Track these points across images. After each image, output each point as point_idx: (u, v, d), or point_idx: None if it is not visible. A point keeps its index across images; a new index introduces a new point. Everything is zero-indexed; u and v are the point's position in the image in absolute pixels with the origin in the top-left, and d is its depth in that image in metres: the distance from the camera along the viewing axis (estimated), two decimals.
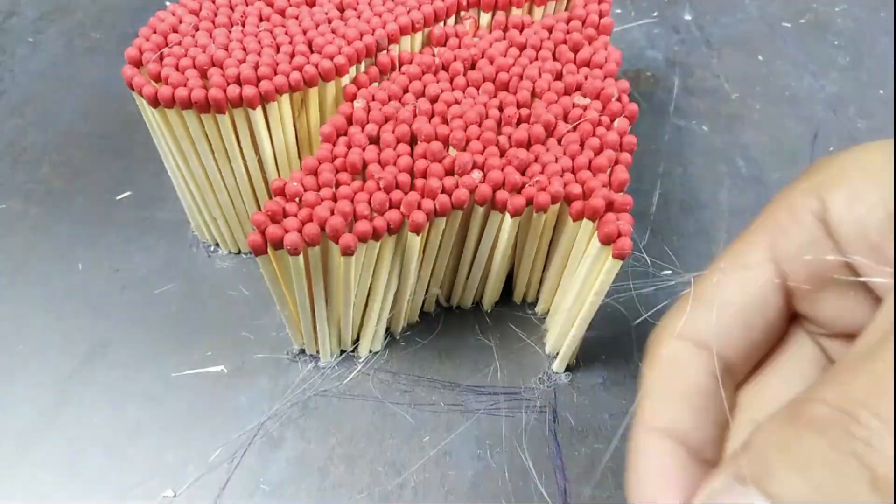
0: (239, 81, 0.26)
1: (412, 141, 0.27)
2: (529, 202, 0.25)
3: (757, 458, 0.13)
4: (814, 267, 0.16)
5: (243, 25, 0.29)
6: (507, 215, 0.25)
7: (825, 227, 0.16)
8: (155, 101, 0.26)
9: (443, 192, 0.25)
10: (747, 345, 0.17)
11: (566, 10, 0.34)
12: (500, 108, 0.28)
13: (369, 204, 0.24)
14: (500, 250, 0.27)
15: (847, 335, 0.16)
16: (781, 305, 0.17)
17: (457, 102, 0.27)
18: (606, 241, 0.24)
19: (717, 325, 0.17)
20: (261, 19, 0.30)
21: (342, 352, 0.30)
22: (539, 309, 0.31)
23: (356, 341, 0.30)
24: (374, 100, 0.27)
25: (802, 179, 0.16)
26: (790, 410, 0.13)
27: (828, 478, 0.12)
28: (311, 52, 0.28)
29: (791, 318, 0.17)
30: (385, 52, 0.29)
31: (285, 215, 0.23)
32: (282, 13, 0.30)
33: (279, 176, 0.29)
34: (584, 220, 0.25)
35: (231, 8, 0.30)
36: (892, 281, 0.11)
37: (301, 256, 0.23)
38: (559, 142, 0.27)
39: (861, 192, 0.15)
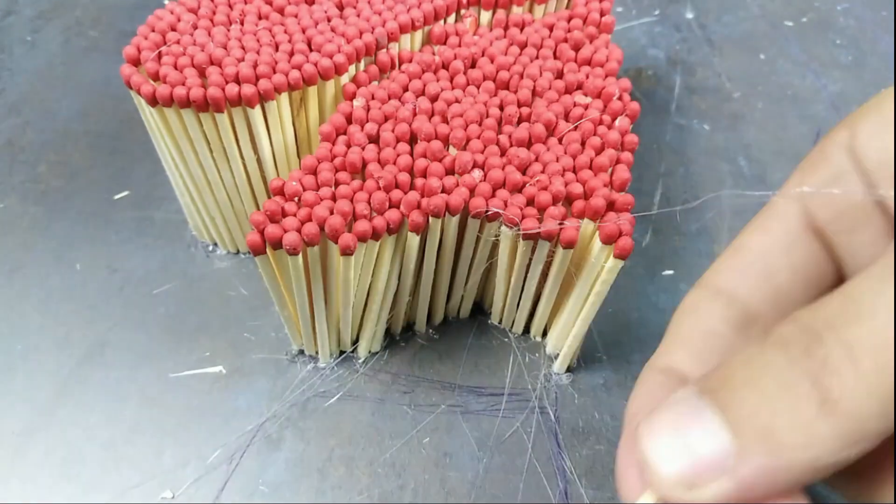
0: (237, 80, 0.26)
1: (412, 140, 0.26)
2: (530, 203, 0.25)
3: (723, 372, 0.13)
4: (841, 202, 0.15)
5: (242, 24, 0.29)
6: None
7: (853, 159, 0.15)
8: (153, 100, 0.26)
9: (443, 191, 0.24)
10: (774, 291, 0.16)
11: (567, 8, 0.33)
12: (501, 107, 0.27)
13: (369, 203, 0.24)
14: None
15: None
16: (814, 248, 0.16)
17: (457, 101, 0.27)
18: (608, 240, 0.24)
19: (737, 272, 0.16)
20: (259, 17, 0.30)
21: (341, 352, 0.30)
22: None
23: (355, 342, 0.29)
24: (373, 99, 0.27)
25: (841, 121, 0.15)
26: (767, 332, 0.13)
27: (778, 394, 0.11)
28: (311, 50, 0.28)
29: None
30: (385, 50, 0.29)
31: (284, 215, 0.23)
32: (281, 11, 0.30)
33: (278, 175, 0.29)
34: (585, 219, 0.25)
35: (230, 6, 0.30)
36: None
37: (300, 256, 0.23)
38: (560, 141, 0.27)
39: (890, 119, 0.14)
